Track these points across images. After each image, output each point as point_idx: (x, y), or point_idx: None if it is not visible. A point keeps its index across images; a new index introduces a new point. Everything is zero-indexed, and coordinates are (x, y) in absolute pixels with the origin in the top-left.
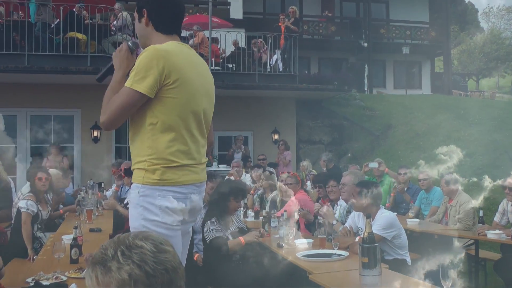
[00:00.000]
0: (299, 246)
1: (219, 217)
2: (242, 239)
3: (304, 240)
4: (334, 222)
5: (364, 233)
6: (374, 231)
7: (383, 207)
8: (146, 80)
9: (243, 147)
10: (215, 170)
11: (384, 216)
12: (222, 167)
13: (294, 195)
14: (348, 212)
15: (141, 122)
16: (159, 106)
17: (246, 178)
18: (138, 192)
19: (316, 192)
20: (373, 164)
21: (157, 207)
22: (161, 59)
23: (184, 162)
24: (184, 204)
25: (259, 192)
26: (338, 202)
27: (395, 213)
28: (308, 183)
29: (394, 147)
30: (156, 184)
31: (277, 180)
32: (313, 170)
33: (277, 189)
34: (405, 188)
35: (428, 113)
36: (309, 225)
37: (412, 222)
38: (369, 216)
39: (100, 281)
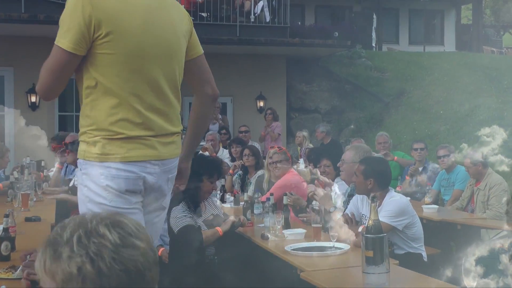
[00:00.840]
0: (288, 238)
1: (189, 202)
2: (219, 228)
3: (295, 231)
4: (332, 209)
5: (368, 221)
6: (381, 219)
7: (393, 189)
8: (70, 33)
9: (220, 116)
10: None
11: (394, 200)
12: None
13: (284, 175)
14: (350, 196)
15: (80, 86)
16: (94, 65)
17: (224, 154)
18: (80, 169)
19: (309, 171)
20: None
21: (102, 188)
22: (87, 4)
23: (132, 133)
24: (134, 186)
25: (240, 172)
26: (334, 184)
27: (408, 198)
28: (301, 160)
29: (408, 117)
30: (97, 159)
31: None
32: (311, 144)
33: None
34: (420, 168)
35: (452, 75)
36: (301, 212)
37: (430, 209)
38: (375, 200)
39: (47, 268)
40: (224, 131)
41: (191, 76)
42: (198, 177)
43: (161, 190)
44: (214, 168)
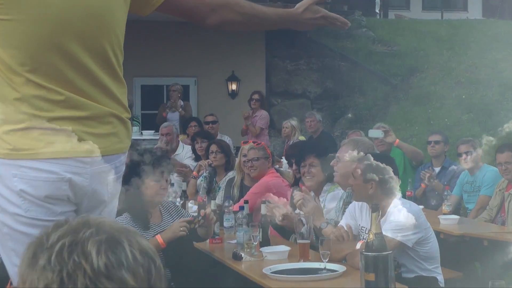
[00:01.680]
0: (267, 258)
1: (133, 211)
2: (159, 237)
3: (276, 248)
4: (324, 225)
5: (369, 235)
6: (385, 233)
7: (400, 195)
8: None
9: (181, 103)
10: (136, 140)
11: (402, 209)
12: (148, 134)
13: (262, 177)
14: (347, 203)
15: None
16: None
17: (185, 152)
18: None
19: (292, 172)
20: (375, 133)
21: (15, 194)
22: None
23: (51, 114)
24: (57, 190)
25: (206, 173)
26: (323, 190)
27: (421, 206)
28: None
29: (421, 104)
30: (7, 156)
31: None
32: (302, 137)
33: (234, 169)
34: (436, 169)
35: (478, 49)
36: (278, 226)
37: (448, 221)
38: (377, 208)
39: (22, 270)
40: (194, 123)
41: (186, 7)
42: (137, 177)
43: (97, 196)
44: (154, 161)
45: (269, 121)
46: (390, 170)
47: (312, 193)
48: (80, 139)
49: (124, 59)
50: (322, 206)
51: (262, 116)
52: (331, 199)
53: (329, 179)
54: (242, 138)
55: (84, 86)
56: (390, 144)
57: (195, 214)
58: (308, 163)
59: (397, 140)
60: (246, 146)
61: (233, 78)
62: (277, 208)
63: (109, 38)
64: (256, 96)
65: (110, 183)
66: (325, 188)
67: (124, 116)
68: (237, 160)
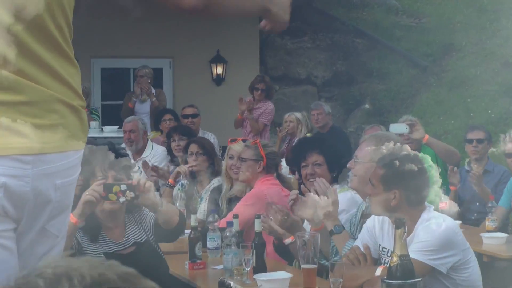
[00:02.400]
0: (263, 286)
1: (87, 230)
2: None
3: (274, 275)
4: (338, 228)
5: (392, 258)
6: (412, 255)
7: (431, 207)
8: None
9: (152, 90)
10: (95, 138)
11: (433, 225)
12: (110, 131)
13: (255, 184)
14: (366, 216)
15: None
16: None
17: (154, 153)
18: None
19: (295, 178)
20: (398, 127)
21: None
22: None
23: None
24: None
25: (184, 181)
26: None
27: (458, 222)
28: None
29: (458, 91)
30: None
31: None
32: (310, 133)
33: (221, 175)
34: (479, 172)
35: None
36: (282, 246)
37: (494, 240)
38: (402, 224)
39: None
40: (168, 116)
41: None
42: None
43: (42, 205)
44: (104, 159)
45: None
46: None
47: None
48: (17, 131)
49: (79, 35)
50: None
51: (267, 110)
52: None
53: (338, 180)
54: (232, 134)
55: (19, 62)
56: (418, 141)
57: None
58: (310, 162)
59: (427, 136)
60: (236, 145)
61: (218, 60)
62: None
63: (49, 7)
64: (261, 86)
65: (58, 190)
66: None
67: (75, 104)
68: (224, 163)
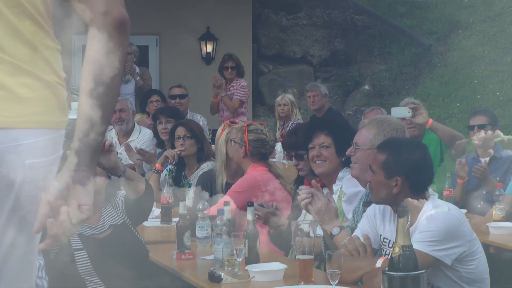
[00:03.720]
0: (256, 279)
1: None
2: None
3: (267, 266)
4: (336, 230)
5: (394, 248)
6: (416, 246)
7: (435, 195)
8: None
9: (137, 70)
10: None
11: (438, 215)
12: None
13: (248, 169)
14: (367, 204)
15: None
16: None
17: (142, 136)
18: None
19: (293, 165)
20: (400, 111)
21: None
22: None
23: None
24: None
25: (171, 166)
26: (338, 177)
27: (463, 211)
28: (279, 145)
29: (464, 72)
30: None
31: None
32: (300, 118)
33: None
34: (482, 160)
35: None
36: (277, 236)
37: (501, 230)
38: (405, 212)
39: None
40: (155, 97)
41: None
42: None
43: (7, 184)
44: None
45: (255, 93)
46: (423, 162)
47: (326, 191)
48: None
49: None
50: (338, 196)
51: (241, 86)
52: (349, 184)
53: (346, 163)
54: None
55: None
56: (421, 126)
57: (156, 220)
58: (317, 144)
59: (431, 121)
60: (225, 132)
61: (208, 37)
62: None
63: None
64: (230, 64)
65: (28, 170)
66: (340, 174)
67: (49, 79)
68: (215, 146)
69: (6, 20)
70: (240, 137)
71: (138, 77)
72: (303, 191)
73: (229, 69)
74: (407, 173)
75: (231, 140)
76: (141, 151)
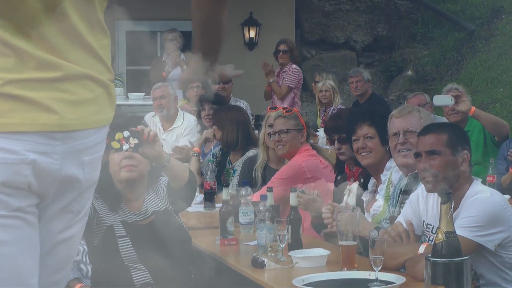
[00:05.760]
0: (299, 265)
1: (101, 187)
2: None
3: (310, 252)
4: (374, 233)
5: (437, 235)
6: (459, 232)
7: (479, 180)
8: None
9: (182, 56)
10: (120, 106)
11: (480, 200)
12: (136, 98)
13: (293, 156)
14: (406, 193)
15: None
16: None
17: (186, 122)
18: None
19: (335, 149)
20: (443, 99)
21: None
22: None
23: (12, 76)
24: (15, 176)
25: (216, 149)
26: (386, 167)
27: (507, 196)
28: (321, 131)
29: (507, 56)
30: None
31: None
32: (341, 104)
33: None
34: None
35: None
36: (319, 223)
37: None
38: (449, 198)
39: None
40: (196, 83)
41: None
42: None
43: (70, 182)
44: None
45: (302, 79)
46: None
47: (372, 181)
48: (47, 108)
49: None
50: (386, 186)
51: (291, 71)
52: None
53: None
54: (266, 104)
55: (50, 34)
56: (464, 113)
57: (200, 206)
58: (361, 135)
59: (474, 108)
60: (273, 114)
61: (251, 22)
62: (312, 202)
63: None
64: (283, 47)
65: (87, 166)
66: (388, 164)
67: (104, 78)
68: (261, 133)
69: (75, 30)
70: (294, 125)
71: (185, 66)
72: (325, 214)
73: (281, 53)
74: (469, 145)
75: (279, 134)
76: (176, 149)
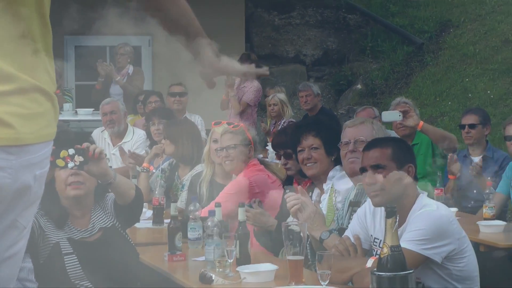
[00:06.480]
0: (247, 280)
1: (46, 204)
2: None
3: (258, 267)
4: (326, 234)
5: (383, 249)
6: (404, 245)
7: (425, 194)
8: None
9: (129, 68)
10: (68, 122)
11: (427, 213)
12: (85, 113)
13: (241, 171)
14: (355, 204)
15: None
16: None
17: (136, 138)
18: None
19: (281, 164)
20: (391, 116)
21: None
22: None
23: None
24: None
25: (165, 165)
26: (329, 177)
27: (454, 209)
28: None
29: (456, 70)
30: None
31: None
32: (292, 117)
33: (203, 161)
34: (475, 159)
35: None
36: (266, 236)
37: (491, 228)
38: (393, 212)
39: None
40: (154, 98)
41: None
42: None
43: (20, 197)
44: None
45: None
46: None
47: (313, 193)
48: (3, 122)
49: (51, 10)
50: (329, 196)
51: (252, 88)
52: (340, 182)
53: (336, 162)
54: (217, 115)
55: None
56: (413, 128)
57: (148, 221)
58: (307, 146)
59: (422, 123)
60: (218, 129)
61: None
62: (260, 215)
63: None
64: (247, 63)
65: (37, 181)
66: (331, 174)
67: (50, 91)
68: (205, 148)
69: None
70: (241, 140)
71: (118, 77)
72: (291, 198)
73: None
74: (414, 159)
75: (226, 149)
76: (133, 155)
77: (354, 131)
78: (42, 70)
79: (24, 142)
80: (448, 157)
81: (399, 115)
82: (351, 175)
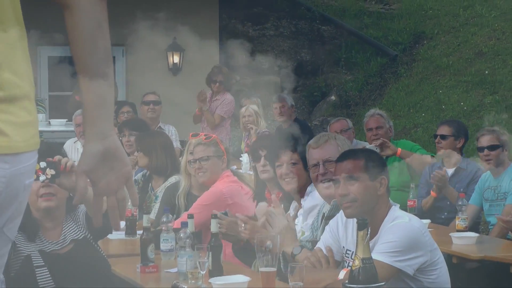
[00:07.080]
0: None
1: (25, 229)
2: None
3: (230, 279)
4: (298, 249)
5: (354, 261)
6: (376, 257)
7: (397, 206)
8: None
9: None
10: (41, 132)
11: (399, 225)
12: (58, 124)
13: (214, 182)
14: (328, 218)
15: None
16: None
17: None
18: None
19: (260, 166)
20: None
21: None
22: None
23: None
24: None
25: (138, 176)
26: (307, 192)
27: (428, 221)
28: (245, 156)
29: (429, 82)
30: None
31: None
32: (265, 128)
33: (180, 172)
34: (448, 170)
35: (507, 8)
36: (241, 248)
37: (464, 240)
38: (365, 224)
39: None
40: (126, 108)
41: None
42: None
43: (8, 204)
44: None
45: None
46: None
47: (294, 204)
48: None
49: (25, 21)
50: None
51: (225, 101)
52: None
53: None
54: (192, 127)
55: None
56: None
57: (121, 233)
58: (285, 161)
59: (399, 150)
60: (193, 141)
61: (174, 48)
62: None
63: None
64: (219, 78)
65: (25, 190)
66: (309, 189)
67: (33, 98)
68: (182, 159)
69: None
70: (214, 152)
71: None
72: (260, 212)
73: (217, 83)
74: (386, 171)
75: (199, 161)
76: None
77: (320, 152)
78: (27, 77)
79: (17, 150)
80: (435, 172)
81: (376, 149)
82: (327, 200)
